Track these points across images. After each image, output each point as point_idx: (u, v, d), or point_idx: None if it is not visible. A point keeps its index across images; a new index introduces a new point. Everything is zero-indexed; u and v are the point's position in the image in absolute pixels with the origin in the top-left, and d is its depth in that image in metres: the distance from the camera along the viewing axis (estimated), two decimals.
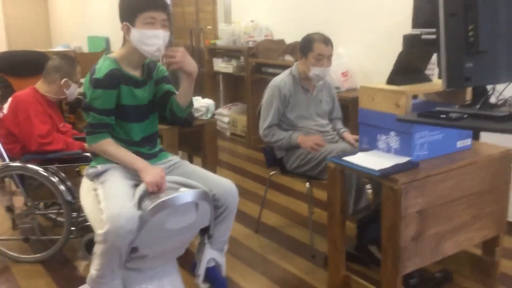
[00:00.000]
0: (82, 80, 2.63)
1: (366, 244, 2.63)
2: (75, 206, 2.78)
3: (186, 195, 1.86)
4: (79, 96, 4.04)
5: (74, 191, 2.72)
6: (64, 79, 2.78)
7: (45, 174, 2.65)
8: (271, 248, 2.90)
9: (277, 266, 2.70)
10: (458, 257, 2.49)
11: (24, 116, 2.68)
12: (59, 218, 3.06)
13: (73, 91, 2.86)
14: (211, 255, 2.01)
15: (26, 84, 2.92)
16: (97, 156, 2.03)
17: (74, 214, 2.77)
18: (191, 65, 1.92)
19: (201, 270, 2.00)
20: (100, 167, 1.97)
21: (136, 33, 1.86)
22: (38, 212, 2.92)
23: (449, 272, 2.51)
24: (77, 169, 2.76)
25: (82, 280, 2.59)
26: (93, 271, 1.81)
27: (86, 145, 2.84)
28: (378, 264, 2.28)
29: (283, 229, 3.16)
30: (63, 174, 2.73)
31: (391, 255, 2.02)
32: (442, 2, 1.37)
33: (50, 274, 2.66)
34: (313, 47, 2.75)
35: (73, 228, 2.73)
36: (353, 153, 2.26)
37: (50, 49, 6.91)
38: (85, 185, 2.06)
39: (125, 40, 1.95)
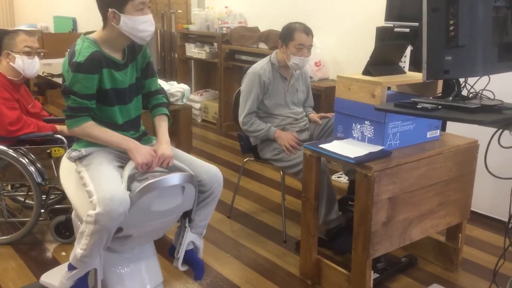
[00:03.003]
0: (49, 61, 2.51)
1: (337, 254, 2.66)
2: (44, 188, 2.74)
3: (174, 178, 1.87)
4: (47, 77, 3.90)
5: (44, 173, 2.67)
6: (4, 52, 2.64)
7: (14, 155, 2.59)
8: (243, 233, 2.95)
9: (249, 250, 2.74)
10: (423, 243, 2.61)
11: None
12: (27, 201, 3.01)
13: (21, 64, 2.63)
14: (191, 238, 2.03)
15: None
16: (80, 139, 1.98)
17: (43, 197, 2.73)
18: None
19: (181, 253, 2.02)
20: (84, 151, 1.93)
21: (127, 21, 1.83)
22: (6, 194, 2.85)
23: (414, 257, 2.62)
24: (48, 151, 2.70)
25: (53, 262, 2.57)
26: (78, 250, 1.78)
27: (58, 127, 2.80)
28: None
29: (255, 215, 3.20)
30: (33, 156, 2.67)
31: (362, 239, 2.09)
32: None
33: (20, 256, 2.62)
34: (294, 36, 2.76)
35: (42, 211, 2.69)
36: (328, 141, 2.33)
37: (15, 28, 6.66)
38: (66, 166, 2.02)
39: (108, 24, 1.89)
